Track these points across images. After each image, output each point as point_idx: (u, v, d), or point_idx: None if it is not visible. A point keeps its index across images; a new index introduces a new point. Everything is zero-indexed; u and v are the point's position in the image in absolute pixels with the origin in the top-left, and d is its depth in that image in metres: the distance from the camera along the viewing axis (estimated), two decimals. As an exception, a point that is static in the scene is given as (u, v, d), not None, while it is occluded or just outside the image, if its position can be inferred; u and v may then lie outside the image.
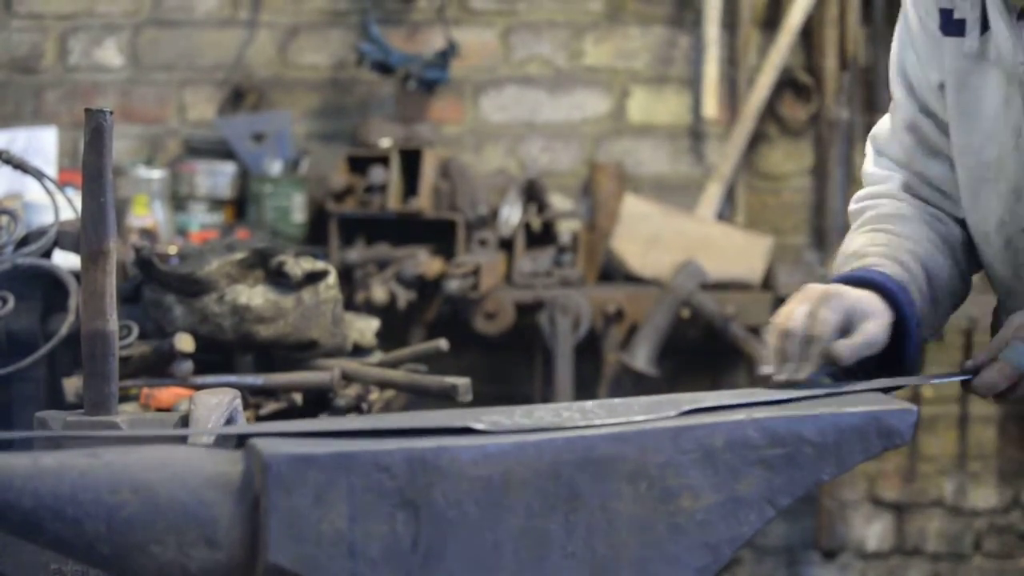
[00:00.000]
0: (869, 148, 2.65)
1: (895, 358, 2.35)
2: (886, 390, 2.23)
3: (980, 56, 2.37)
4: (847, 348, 2.24)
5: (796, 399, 2.17)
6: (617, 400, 2.16)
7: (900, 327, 2.34)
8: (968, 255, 2.51)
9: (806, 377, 2.23)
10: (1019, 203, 2.35)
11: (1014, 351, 2.23)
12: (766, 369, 2.26)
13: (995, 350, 2.26)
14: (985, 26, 2.35)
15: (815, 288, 2.31)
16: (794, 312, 2.27)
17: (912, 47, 2.52)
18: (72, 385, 2.90)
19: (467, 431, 1.92)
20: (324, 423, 2.22)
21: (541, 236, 5.38)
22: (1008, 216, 2.38)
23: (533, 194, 5.37)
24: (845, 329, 2.27)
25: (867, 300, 2.30)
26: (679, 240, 5.36)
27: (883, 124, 2.63)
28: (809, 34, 5.53)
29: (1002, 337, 2.27)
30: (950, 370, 2.37)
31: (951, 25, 2.40)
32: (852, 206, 2.63)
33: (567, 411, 2.04)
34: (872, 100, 5.53)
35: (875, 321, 2.28)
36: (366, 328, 3.41)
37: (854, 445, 2.10)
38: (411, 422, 1.97)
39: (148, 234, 5.10)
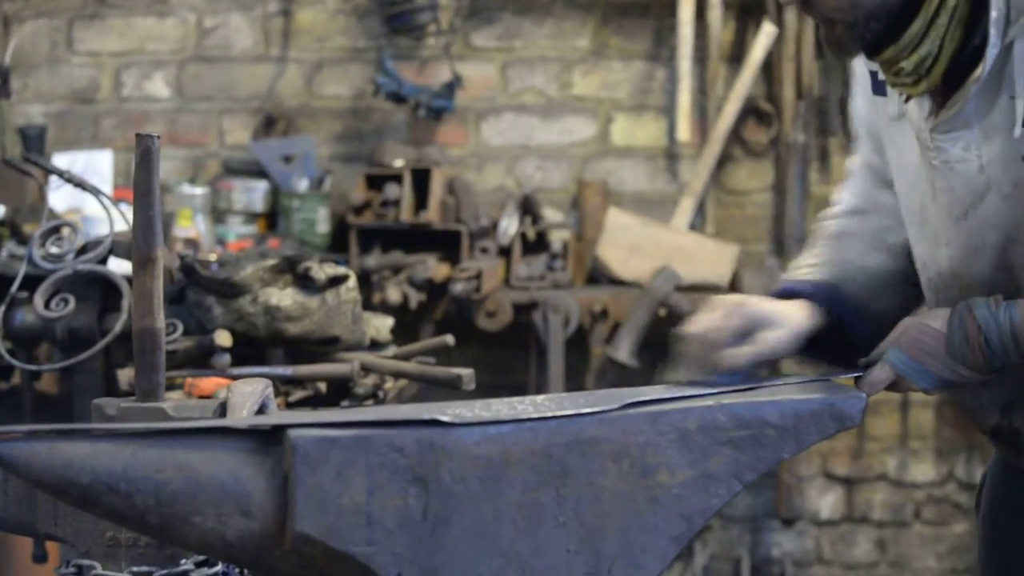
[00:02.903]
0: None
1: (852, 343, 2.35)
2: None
3: (899, 117, 2.34)
4: (737, 357, 2.22)
5: (756, 388, 2.17)
6: (565, 394, 2.18)
7: (838, 325, 2.33)
8: (910, 259, 2.49)
9: (700, 379, 2.21)
10: (937, 248, 2.34)
11: (894, 354, 2.23)
12: (672, 372, 2.25)
13: (882, 352, 2.26)
14: None
15: (724, 299, 2.29)
16: (700, 320, 2.26)
17: (859, 97, 2.50)
18: (125, 376, 2.89)
19: (435, 423, 1.91)
20: (337, 414, 2.21)
21: (535, 244, 5.37)
22: (929, 259, 2.37)
23: (528, 208, 5.36)
24: (747, 336, 2.25)
25: (779, 309, 2.28)
26: (656, 248, 5.35)
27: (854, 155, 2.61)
28: (770, 68, 5.53)
29: (888, 339, 2.26)
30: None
31: (877, 86, 2.37)
32: (814, 226, 2.62)
33: (520, 404, 2.03)
34: (824, 126, 5.53)
35: (778, 330, 2.25)
36: (382, 325, 3.40)
37: (811, 427, 2.09)
38: (389, 414, 1.96)
39: (191, 244, 5.09)
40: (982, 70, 2.15)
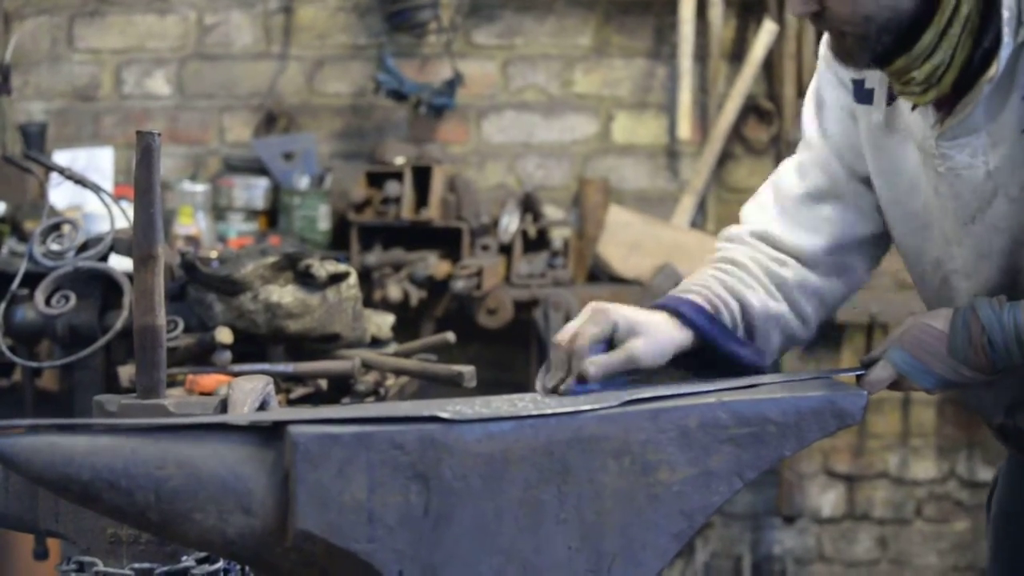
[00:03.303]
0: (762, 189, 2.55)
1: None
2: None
3: (888, 125, 2.32)
4: (594, 365, 2.17)
5: (756, 386, 2.17)
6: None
7: (710, 344, 2.28)
8: (806, 296, 2.42)
9: (564, 388, 2.17)
10: (949, 246, 2.33)
11: (895, 353, 2.23)
12: (539, 378, 2.22)
13: (883, 350, 2.25)
14: (892, 97, 2.30)
15: (592, 305, 2.25)
16: (568, 326, 2.23)
17: (827, 105, 2.45)
18: (126, 372, 2.89)
19: (436, 420, 1.91)
20: (338, 410, 2.21)
21: (536, 242, 5.37)
22: (941, 257, 2.35)
23: (529, 205, 5.36)
24: (611, 343, 2.21)
25: (645, 319, 2.24)
26: (657, 245, 5.35)
27: (789, 160, 2.53)
28: (770, 66, 5.53)
29: (890, 338, 2.26)
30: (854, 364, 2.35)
31: (863, 94, 2.35)
32: (716, 243, 2.55)
33: (521, 401, 2.03)
34: (825, 123, 5.53)
35: (642, 338, 2.21)
36: (383, 323, 3.40)
37: (812, 425, 2.09)
38: (390, 411, 1.96)
39: (192, 241, 5.09)
40: (996, 70, 2.14)
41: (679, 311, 2.27)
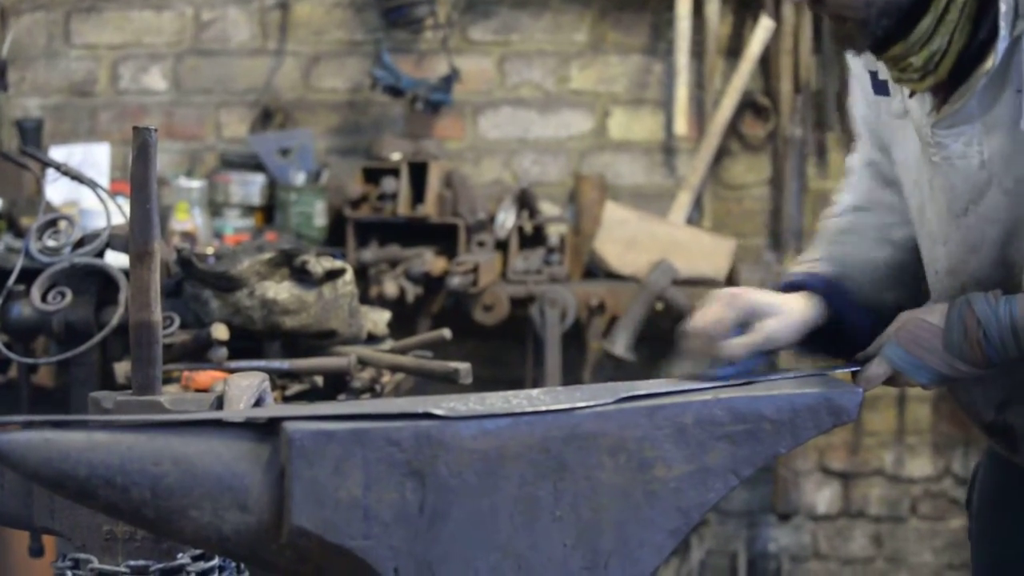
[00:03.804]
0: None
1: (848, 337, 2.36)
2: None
3: (903, 114, 2.34)
4: (736, 347, 2.23)
5: (749, 383, 2.17)
6: (560, 388, 2.17)
7: (838, 318, 2.34)
8: (916, 254, 2.49)
9: (705, 371, 2.22)
10: (935, 246, 2.34)
11: (891, 349, 2.23)
12: (676, 365, 2.26)
13: (879, 345, 2.26)
14: None
15: (723, 292, 2.30)
16: (699, 315, 2.27)
17: (858, 96, 2.49)
18: (122, 369, 2.89)
19: (431, 417, 1.91)
20: (334, 406, 2.21)
21: (532, 238, 5.37)
22: (928, 257, 2.37)
23: (525, 202, 5.36)
24: (747, 326, 2.26)
25: (777, 299, 2.30)
26: (653, 242, 5.35)
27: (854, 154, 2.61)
28: (767, 62, 5.52)
29: (885, 334, 2.27)
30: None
31: (878, 86, 2.37)
32: (816, 225, 2.62)
33: (515, 398, 2.03)
34: (822, 120, 5.53)
35: (777, 318, 2.27)
36: (379, 319, 3.40)
37: (808, 422, 2.10)
38: (383, 407, 1.96)
39: (188, 237, 5.09)
40: (992, 62, 2.15)
41: (811, 288, 2.34)
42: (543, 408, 1.97)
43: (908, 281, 2.47)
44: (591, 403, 1.99)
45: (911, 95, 2.28)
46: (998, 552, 2.54)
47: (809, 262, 2.46)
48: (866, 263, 2.45)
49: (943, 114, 2.23)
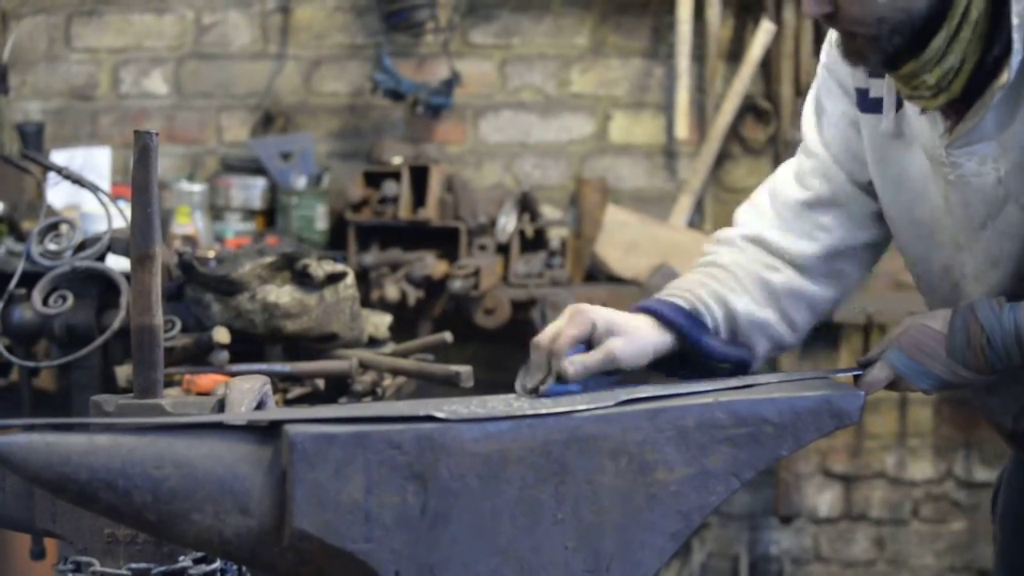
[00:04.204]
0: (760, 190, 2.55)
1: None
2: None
3: (897, 134, 2.31)
4: (575, 364, 2.20)
5: (753, 385, 2.17)
6: None
7: (689, 348, 2.30)
8: (795, 302, 2.43)
9: (544, 388, 2.18)
10: (959, 252, 2.32)
11: (893, 354, 2.23)
12: (519, 378, 2.24)
13: (881, 350, 2.25)
14: (899, 104, 2.30)
15: (572, 306, 2.28)
16: (546, 329, 2.25)
17: (827, 113, 2.44)
18: (123, 372, 2.89)
19: (433, 419, 1.91)
20: (335, 409, 2.21)
21: (534, 242, 5.37)
22: (951, 264, 2.34)
23: (527, 205, 5.36)
24: (591, 344, 2.23)
25: (624, 320, 2.26)
26: (654, 245, 5.35)
27: (788, 165, 2.52)
28: (768, 65, 5.53)
29: (888, 338, 2.26)
30: (851, 364, 2.35)
31: (867, 103, 2.34)
32: (705, 246, 2.55)
33: (516, 401, 2.04)
34: (823, 123, 5.52)
35: (621, 338, 2.24)
36: (380, 322, 3.40)
37: (809, 425, 2.10)
38: (384, 410, 1.96)
39: (189, 241, 5.09)
40: (1007, 77, 2.13)
41: (659, 312, 2.30)
42: (544, 411, 1.97)
43: (754, 328, 2.41)
44: (591, 406, 1.99)
45: (922, 112, 2.25)
46: (1021, 557, 2.54)
47: (674, 291, 2.38)
48: (723, 300, 2.38)
49: (957, 133, 2.21)
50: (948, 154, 2.23)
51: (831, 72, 2.41)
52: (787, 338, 2.44)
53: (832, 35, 2.37)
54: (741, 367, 2.33)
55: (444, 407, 1.94)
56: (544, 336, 2.23)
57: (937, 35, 2.14)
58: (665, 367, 2.32)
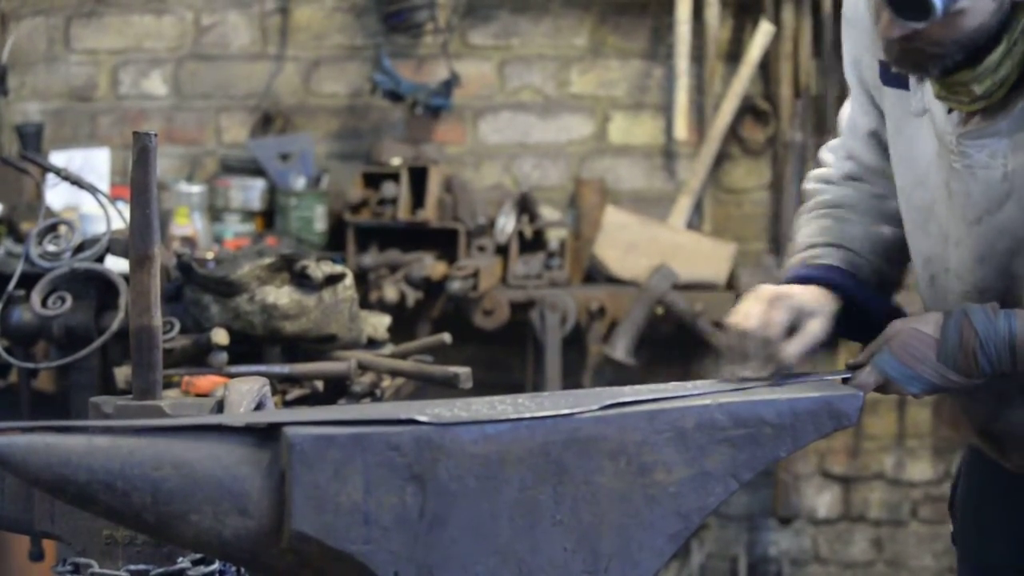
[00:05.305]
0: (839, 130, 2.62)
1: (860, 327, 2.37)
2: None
3: (920, 113, 2.33)
4: (794, 352, 2.25)
5: (744, 388, 2.17)
6: (546, 394, 2.18)
7: (853, 305, 2.36)
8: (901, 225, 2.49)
9: (768, 379, 2.22)
10: (946, 246, 2.33)
11: (882, 356, 2.23)
12: (728, 367, 2.24)
13: (870, 353, 2.26)
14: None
15: (767, 289, 2.30)
16: (749, 313, 2.26)
17: (864, 56, 2.46)
18: (122, 374, 2.89)
19: (412, 422, 1.91)
20: (333, 411, 2.21)
21: (533, 243, 5.37)
22: (934, 255, 2.36)
23: (526, 206, 5.36)
24: (793, 327, 2.27)
25: (812, 297, 2.31)
26: (654, 246, 5.35)
27: (844, 112, 2.59)
28: (767, 66, 5.52)
29: (878, 342, 2.27)
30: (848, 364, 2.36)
31: (891, 77, 2.35)
32: (808, 185, 2.61)
33: (501, 404, 2.03)
34: (822, 124, 5.52)
35: (818, 318, 2.29)
36: (379, 324, 3.40)
37: (808, 426, 2.10)
38: (361, 413, 1.96)
39: (188, 242, 5.09)
40: None
41: (832, 281, 2.35)
42: (544, 413, 1.97)
43: (899, 257, 2.48)
44: (573, 409, 1.99)
45: (949, 111, 2.26)
46: (983, 552, 2.55)
47: (811, 248, 2.45)
48: (866, 239, 2.46)
49: (972, 126, 2.23)
50: (959, 143, 2.24)
51: (865, 31, 2.42)
52: (904, 259, 2.49)
53: None
54: (894, 316, 2.35)
55: (427, 410, 1.94)
56: (750, 323, 2.24)
57: (995, 50, 2.15)
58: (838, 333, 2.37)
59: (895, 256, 2.48)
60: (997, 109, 2.21)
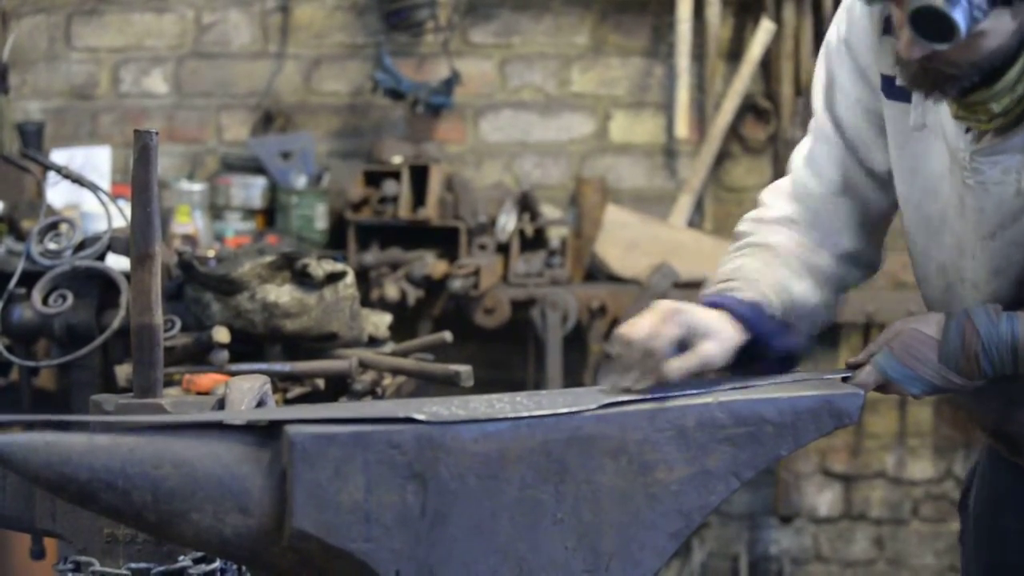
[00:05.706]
0: (790, 167, 2.56)
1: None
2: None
3: (920, 127, 2.31)
4: (676, 368, 2.14)
5: (752, 386, 2.17)
6: (544, 392, 2.17)
7: (757, 344, 2.27)
8: (833, 286, 2.44)
9: (642, 388, 2.12)
10: (962, 257, 2.31)
11: (882, 357, 2.22)
12: (607, 375, 2.19)
13: (870, 353, 2.25)
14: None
15: (665, 304, 2.21)
16: (640, 324, 2.18)
17: (841, 90, 2.44)
18: (123, 372, 2.89)
19: (413, 421, 1.90)
20: (333, 408, 2.21)
21: (533, 241, 5.37)
22: (949, 265, 2.34)
23: (527, 205, 5.36)
24: (684, 345, 2.17)
25: (713, 320, 2.21)
26: (654, 245, 5.35)
27: (801, 150, 2.54)
28: (768, 65, 5.52)
29: (878, 342, 2.25)
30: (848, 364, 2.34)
31: (894, 91, 2.32)
32: (740, 226, 2.54)
33: (499, 402, 2.02)
34: (823, 122, 5.52)
35: (713, 341, 2.18)
36: (380, 322, 3.40)
37: (809, 424, 2.10)
38: (362, 411, 1.96)
39: (189, 240, 5.09)
40: None
41: (736, 310, 2.26)
42: (544, 411, 1.97)
43: (804, 316, 2.40)
44: (574, 408, 1.99)
45: (967, 131, 2.24)
46: (999, 554, 2.54)
47: (729, 281, 2.36)
48: (779, 289, 2.37)
49: (985, 143, 2.22)
50: (972, 159, 2.23)
51: (850, 49, 2.40)
52: (825, 320, 2.45)
53: (850, 4, 2.37)
54: (790, 361, 2.31)
55: (424, 408, 1.94)
56: (637, 333, 2.15)
57: (1012, 68, 2.13)
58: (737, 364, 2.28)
59: (801, 314, 2.38)
60: (1011, 126, 2.20)
